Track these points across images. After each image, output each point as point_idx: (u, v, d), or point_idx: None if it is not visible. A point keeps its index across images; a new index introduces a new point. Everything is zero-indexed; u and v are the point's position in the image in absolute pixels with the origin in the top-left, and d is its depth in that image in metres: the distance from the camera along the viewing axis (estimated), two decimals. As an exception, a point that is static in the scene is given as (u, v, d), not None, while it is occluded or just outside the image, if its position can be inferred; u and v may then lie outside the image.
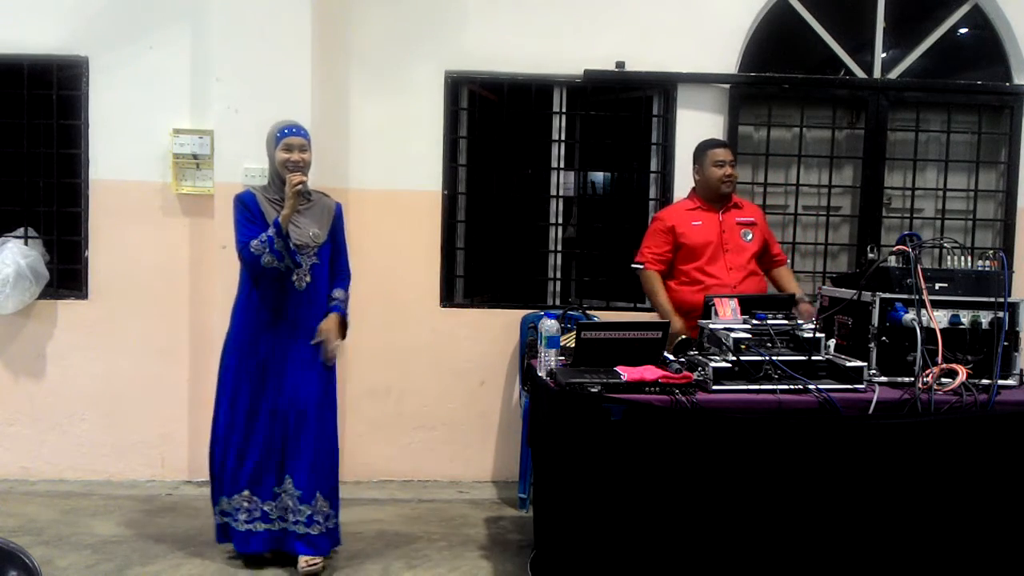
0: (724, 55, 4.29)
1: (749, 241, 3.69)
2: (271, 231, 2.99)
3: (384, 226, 4.21)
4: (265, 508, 3.10)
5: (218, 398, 3.16)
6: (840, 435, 2.51)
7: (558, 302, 4.41)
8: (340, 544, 3.22)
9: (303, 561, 3.07)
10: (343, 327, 3.20)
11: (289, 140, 3.06)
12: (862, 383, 2.61)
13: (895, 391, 2.62)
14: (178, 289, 4.17)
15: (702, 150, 3.77)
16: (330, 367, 3.18)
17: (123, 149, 4.14)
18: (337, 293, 3.22)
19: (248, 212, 3.09)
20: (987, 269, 2.87)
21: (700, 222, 3.68)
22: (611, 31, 4.25)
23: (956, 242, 3.05)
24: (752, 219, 3.75)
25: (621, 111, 4.40)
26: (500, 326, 4.29)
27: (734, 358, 2.62)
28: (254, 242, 3.01)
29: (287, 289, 3.09)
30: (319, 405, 3.12)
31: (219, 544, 3.21)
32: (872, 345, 2.72)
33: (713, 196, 3.71)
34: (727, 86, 4.31)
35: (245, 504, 3.10)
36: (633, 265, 3.82)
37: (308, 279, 3.11)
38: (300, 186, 2.99)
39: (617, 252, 4.45)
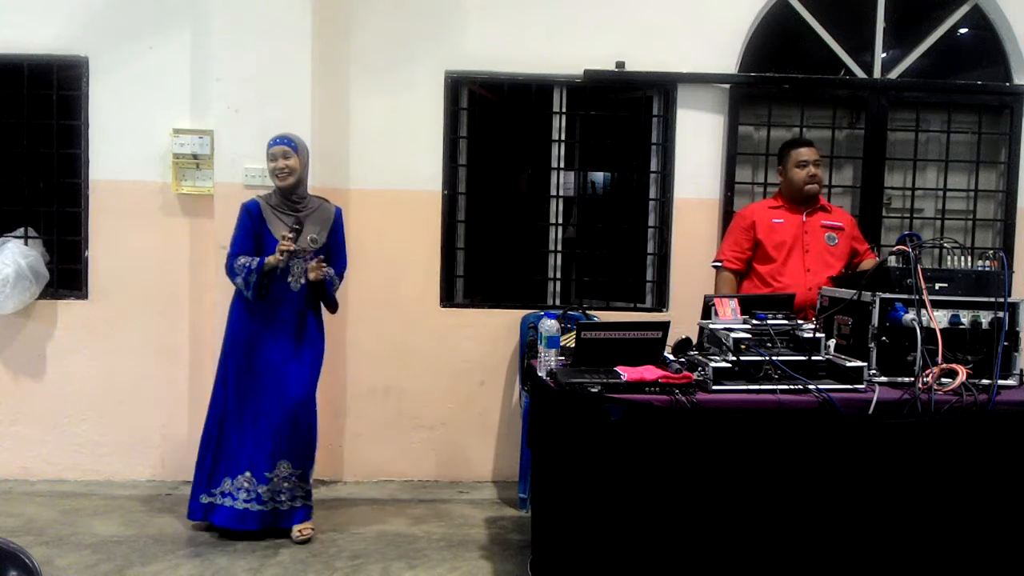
0: (724, 55, 4.29)
1: (834, 245, 3.58)
2: (255, 264, 3.26)
3: (384, 226, 4.21)
4: (260, 491, 3.33)
5: (215, 388, 3.44)
6: (840, 435, 2.51)
7: (558, 302, 4.41)
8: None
9: (297, 530, 3.39)
10: (329, 285, 3.44)
11: (273, 150, 3.34)
12: (862, 383, 2.60)
13: (895, 391, 2.62)
14: (178, 289, 4.17)
15: (785, 149, 3.68)
16: (316, 355, 3.47)
17: (123, 149, 4.14)
18: (328, 270, 3.42)
19: (249, 220, 3.35)
20: (987, 269, 2.86)
21: (781, 220, 3.60)
22: (611, 31, 4.25)
23: (956, 242, 3.05)
24: (840, 224, 3.64)
25: (621, 111, 4.40)
26: (500, 326, 4.29)
27: (734, 358, 2.61)
28: (240, 260, 3.29)
29: (284, 289, 3.35)
30: (309, 397, 3.42)
31: (191, 521, 3.48)
32: (872, 345, 2.72)
33: (797, 197, 3.62)
34: (727, 86, 4.31)
35: (246, 484, 3.34)
36: (713, 263, 3.77)
37: (303, 280, 3.36)
38: (286, 255, 3.25)
39: (617, 252, 4.45)
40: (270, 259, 3.25)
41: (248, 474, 3.34)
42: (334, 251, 3.49)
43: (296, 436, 3.38)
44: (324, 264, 3.34)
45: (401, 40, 4.20)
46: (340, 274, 3.53)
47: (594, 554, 2.52)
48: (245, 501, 3.33)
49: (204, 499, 3.40)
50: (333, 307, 3.53)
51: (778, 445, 2.49)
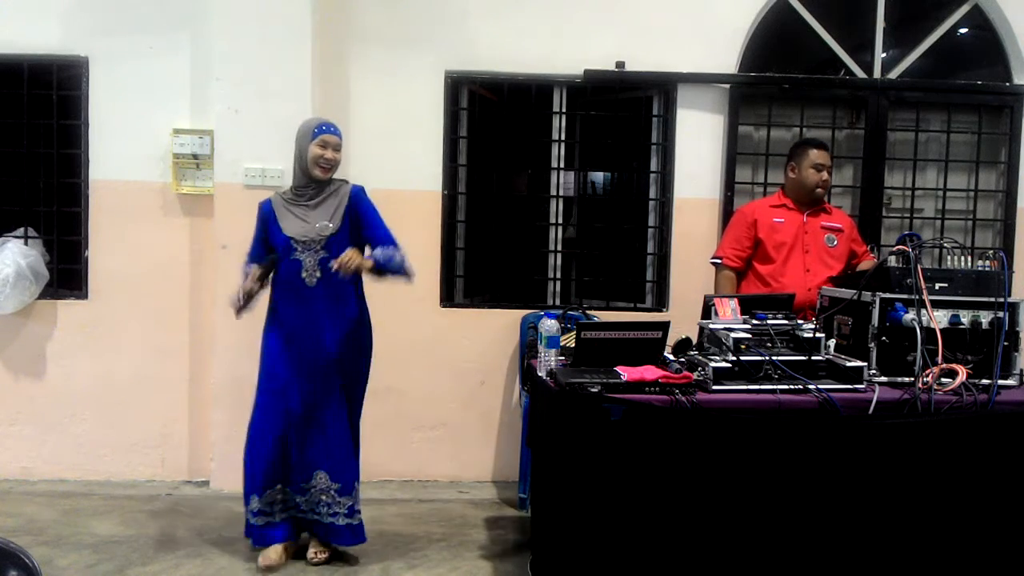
0: (724, 55, 4.29)
1: (833, 247, 3.58)
2: (246, 268, 3.15)
3: (384, 226, 4.20)
4: (298, 500, 3.15)
5: (255, 395, 3.21)
6: (840, 435, 2.51)
7: (558, 302, 4.41)
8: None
9: (313, 551, 3.18)
10: (381, 265, 3.09)
11: (326, 138, 3.09)
12: (862, 383, 2.60)
13: (895, 391, 2.62)
14: (178, 289, 4.17)
15: (801, 148, 3.64)
16: (354, 356, 3.22)
17: (123, 149, 4.14)
18: (375, 251, 3.11)
19: (260, 224, 3.18)
20: (987, 269, 2.86)
21: (782, 220, 3.59)
22: (611, 31, 4.25)
23: (956, 242, 3.05)
24: (839, 226, 3.63)
25: (621, 111, 4.40)
26: (500, 326, 4.29)
27: (734, 358, 2.62)
28: (246, 270, 3.15)
29: (299, 287, 3.10)
30: (340, 403, 3.16)
31: (248, 538, 3.23)
32: (872, 345, 2.72)
33: (804, 199, 3.61)
34: (727, 86, 4.31)
35: (279, 497, 3.16)
36: (712, 260, 3.75)
37: (318, 274, 3.10)
38: (242, 297, 3.05)
39: (617, 252, 4.45)
40: (245, 284, 3.06)
41: (280, 486, 3.15)
42: (369, 229, 3.15)
43: (328, 447, 3.13)
44: (349, 254, 2.97)
45: (401, 40, 4.20)
46: (393, 247, 3.12)
47: (594, 554, 2.52)
48: (281, 512, 3.17)
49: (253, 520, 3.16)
50: (408, 276, 3.14)
51: (778, 445, 2.49)
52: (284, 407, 3.12)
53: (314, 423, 3.13)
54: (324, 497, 3.13)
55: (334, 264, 2.98)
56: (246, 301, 3.08)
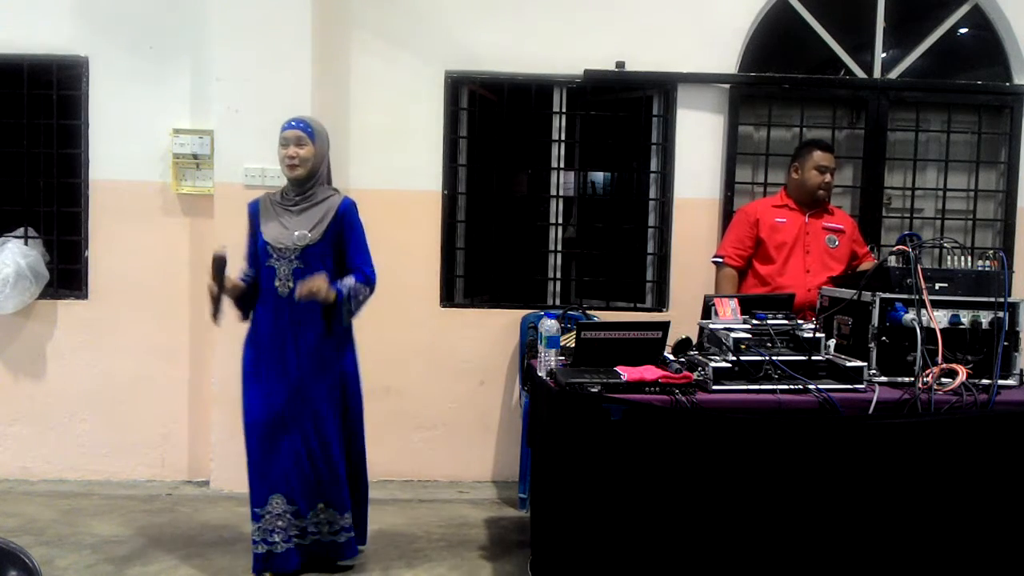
0: (724, 55, 4.29)
1: (834, 247, 3.59)
2: (244, 273, 3.09)
3: (384, 226, 4.17)
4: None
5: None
6: (840, 435, 2.51)
7: (558, 302, 4.41)
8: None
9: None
10: (339, 304, 2.91)
11: (284, 134, 2.95)
12: (862, 383, 2.60)
13: (895, 391, 2.62)
14: (178, 289, 4.17)
15: (806, 149, 3.65)
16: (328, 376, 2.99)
17: (123, 149, 4.14)
18: (346, 279, 2.94)
19: (250, 220, 3.06)
20: (987, 269, 2.87)
21: (784, 220, 3.60)
22: (611, 31, 4.25)
23: (956, 242, 3.05)
24: (841, 227, 3.64)
25: (621, 111, 4.40)
26: (500, 326, 4.29)
27: (734, 358, 2.62)
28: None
29: (272, 295, 2.95)
30: (309, 424, 2.96)
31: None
32: (872, 345, 2.72)
33: (806, 199, 3.62)
34: (727, 86, 4.31)
35: (279, 523, 2.95)
36: (713, 259, 3.77)
37: (291, 285, 2.91)
38: (214, 292, 2.89)
39: (617, 252, 4.45)
40: (209, 285, 2.88)
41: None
42: (348, 251, 2.99)
43: (291, 462, 2.95)
44: (319, 281, 2.81)
45: (401, 40, 4.20)
46: (359, 278, 2.98)
47: (594, 554, 2.52)
48: (284, 541, 2.95)
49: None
50: (333, 325, 2.95)
51: (778, 445, 2.49)
52: (253, 413, 2.99)
53: (281, 436, 2.95)
54: (280, 523, 2.94)
55: (299, 288, 2.81)
56: (214, 304, 2.92)
